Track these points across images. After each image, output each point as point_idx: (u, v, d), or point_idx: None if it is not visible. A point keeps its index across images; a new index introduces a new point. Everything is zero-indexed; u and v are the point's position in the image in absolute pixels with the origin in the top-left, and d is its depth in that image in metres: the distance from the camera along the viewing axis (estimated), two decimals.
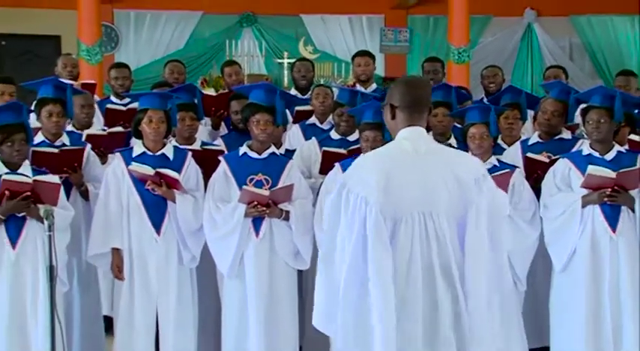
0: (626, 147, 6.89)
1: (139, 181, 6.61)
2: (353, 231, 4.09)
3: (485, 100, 9.03)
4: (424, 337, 4.10)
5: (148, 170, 6.56)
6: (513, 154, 7.24)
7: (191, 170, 6.78)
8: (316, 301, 4.30)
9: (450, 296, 4.12)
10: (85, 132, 7.58)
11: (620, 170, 6.51)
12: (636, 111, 7.48)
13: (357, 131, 7.09)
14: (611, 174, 6.49)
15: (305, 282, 7.09)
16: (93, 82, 10.22)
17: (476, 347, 4.14)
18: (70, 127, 7.67)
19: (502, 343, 4.23)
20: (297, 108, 8.60)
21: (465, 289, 4.15)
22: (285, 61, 14.33)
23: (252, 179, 6.65)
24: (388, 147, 4.37)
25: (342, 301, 4.11)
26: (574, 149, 7.02)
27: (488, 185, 4.27)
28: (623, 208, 6.59)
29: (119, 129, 7.70)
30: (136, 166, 6.58)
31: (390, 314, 4.01)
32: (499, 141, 7.32)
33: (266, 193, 6.56)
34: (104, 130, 7.89)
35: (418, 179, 4.14)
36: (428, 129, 7.38)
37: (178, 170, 6.66)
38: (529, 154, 7.18)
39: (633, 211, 6.60)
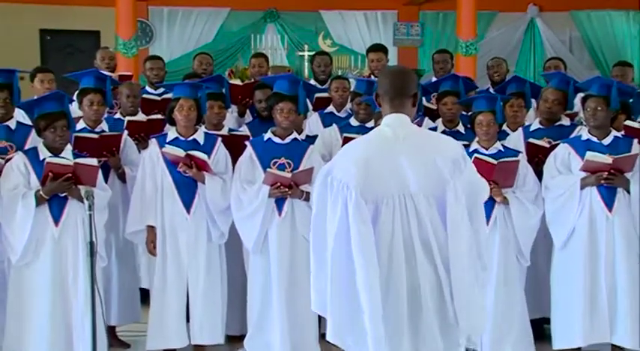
0: (622, 133, 6.84)
1: (172, 164, 6.62)
2: (336, 214, 4.06)
3: (491, 89, 9.00)
4: (408, 307, 4.07)
5: (179, 152, 6.57)
6: (516, 140, 7.22)
7: (220, 154, 6.78)
8: (312, 287, 4.29)
9: (431, 269, 4.08)
10: (127, 118, 7.58)
11: (617, 156, 6.51)
12: (631, 99, 7.44)
13: (372, 119, 7.11)
14: (608, 159, 6.47)
15: None
16: (129, 73, 10.24)
17: (459, 313, 4.08)
18: (117, 115, 7.73)
19: (483, 310, 4.22)
20: (317, 96, 8.58)
21: (446, 263, 4.11)
22: (306, 53, 14.33)
23: (275, 163, 6.63)
24: (370, 134, 4.36)
25: (329, 284, 4.08)
26: (573, 135, 6.98)
27: (467, 166, 4.25)
28: (619, 189, 6.58)
29: (158, 116, 7.70)
30: (169, 149, 6.60)
31: (375, 291, 3.99)
32: (504, 127, 7.31)
33: (288, 175, 6.56)
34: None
35: (397, 163, 4.11)
36: (436, 116, 7.49)
37: (208, 154, 6.66)
38: (531, 140, 7.15)
39: (628, 192, 6.58)
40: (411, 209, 4.08)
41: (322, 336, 6.75)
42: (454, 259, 4.09)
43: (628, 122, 7.15)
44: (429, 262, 4.08)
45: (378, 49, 10.05)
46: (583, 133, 6.81)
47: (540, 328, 7.00)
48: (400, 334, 4.07)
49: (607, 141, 6.64)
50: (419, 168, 4.11)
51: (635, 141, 6.70)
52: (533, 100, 7.96)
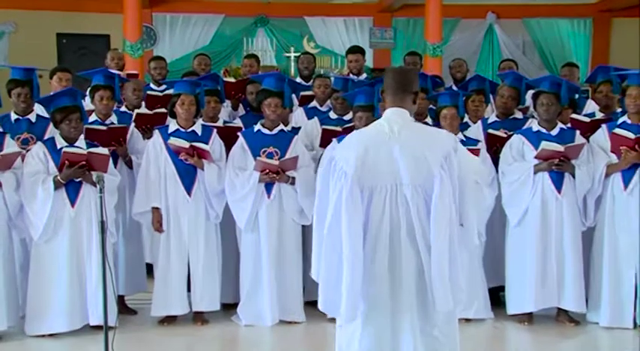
0: (568, 125, 6.93)
1: (174, 153, 6.64)
2: (334, 194, 4.09)
3: (453, 87, 9.02)
4: (390, 286, 4.09)
5: (184, 143, 6.59)
6: (476, 131, 7.24)
7: (216, 144, 6.80)
8: (313, 257, 4.30)
9: (413, 252, 4.08)
10: (135, 111, 7.60)
11: (568, 145, 6.59)
12: (577, 96, 7.52)
13: (350, 112, 7.12)
14: (560, 148, 6.55)
15: (306, 235, 7.12)
16: (135, 72, 10.23)
17: (436, 293, 4.05)
18: (123, 108, 7.72)
19: (462, 291, 4.15)
20: (302, 93, 8.62)
21: (428, 247, 4.07)
22: (292, 55, 14.27)
23: (264, 151, 6.68)
24: (370, 127, 4.35)
25: (324, 255, 4.12)
26: (525, 127, 7.04)
27: (459, 157, 4.20)
28: (566, 174, 6.66)
29: (162, 110, 7.72)
30: (174, 140, 6.61)
31: (355, 261, 4.00)
32: (466, 119, 7.35)
33: (276, 162, 6.61)
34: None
35: (391, 156, 4.10)
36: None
37: (206, 143, 6.69)
38: (489, 131, 7.20)
39: (574, 176, 6.66)
40: (400, 198, 4.08)
41: (306, 303, 6.88)
42: (435, 245, 4.06)
43: (574, 115, 7.24)
44: (412, 245, 4.08)
45: (356, 51, 10.06)
46: (534, 125, 6.88)
47: (496, 296, 7.06)
48: (380, 308, 4.09)
49: (555, 132, 6.71)
50: (410, 161, 4.09)
51: (578, 132, 6.80)
52: (491, 96, 8.01)
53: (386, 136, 4.15)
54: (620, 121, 6.76)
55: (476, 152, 6.58)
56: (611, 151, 6.62)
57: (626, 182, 6.58)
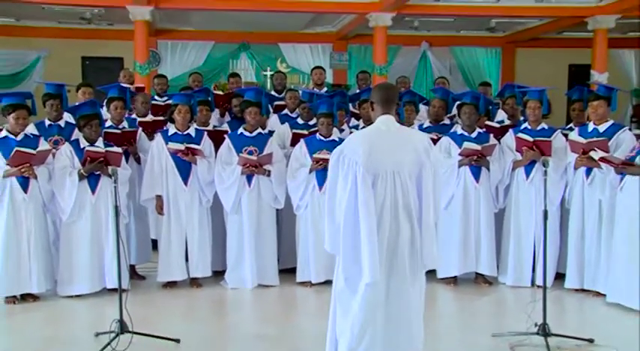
0: (484, 129, 6.99)
1: (174, 153, 6.62)
2: (347, 182, 4.07)
3: None
4: (387, 254, 4.09)
5: (180, 146, 6.58)
6: None
7: (206, 144, 6.78)
8: (326, 234, 4.25)
9: (409, 227, 4.11)
10: (139, 119, 7.54)
11: (484, 145, 6.68)
12: (491, 107, 7.59)
13: (314, 118, 7.11)
14: (478, 147, 6.64)
15: (280, 216, 7.15)
16: (143, 86, 10.16)
17: (426, 256, 4.13)
18: (133, 116, 7.64)
19: (437, 252, 4.25)
20: (276, 103, 8.62)
21: (419, 221, 4.14)
22: (268, 73, 14.22)
23: (246, 149, 6.66)
24: (370, 128, 4.32)
25: (342, 230, 4.09)
26: (452, 130, 7.09)
27: (432, 151, 4.27)
28: (483, 168, 6.74)
29: (160, 118, 7.70)
30: (172, 145, 6.60)
31: (372, 233, 4.02)
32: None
33: (254, 158, 6.62)
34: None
35: (390, 149, 4.13)
36: (357, 117, 7.54)
37: (198, 144, 6.67)
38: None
39: (489, 170, 6.74)
40: (397, 182, 4.09)
41: (280, 271, 6.89)
42: (425, 217, 4.13)
43: (488, 122, 7.31)
44: (408, 219, 4.10)
45: (319, 68, 10.10)
46: (458, 129, 6.95)
47: None
48: (380, 266, 4.07)
49: (474, 134, 6.78)
50: (404, 153, 4.13)
51: (491, 135, 6.88)
52: (422, 106, 8.03)
53: (385, 134, 4.18)
54: (523, 126, 6.87)
55: None
56: (516, 150, 6.72)
57: (527, 174, 6.70)
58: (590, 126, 6.49)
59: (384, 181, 4.10)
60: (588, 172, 6.38)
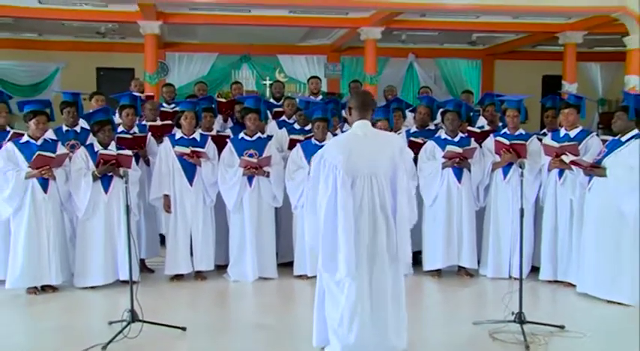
0: (466, 134, 7.01)
1: (180, 155, 6.61)
2: (328, 185, 4.10)
3: None
4: (368, 248, 4.13)
5: (186, 150, 6.57)
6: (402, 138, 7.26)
7: (210, 147, 6.76)
8: (306, 231, 4.32)
9: (386, 224, 4.14)
10: (149, 124, 7.55)
11: (466, 148, 6.68)
12: (472, 114, 7.60)
13: (309, 124, 7.11)
14: (460, 150, 6.64)
15: (278, 214, 7.13)
16: (152, 94, 10.17)
17: (400, 250, 4.17)
18: (143, 122, 7.64)
19: (410, 249, 4.27)
20: (275, 110, 8.62)
21: (394, 217, 4.17)
22: (267, 82, 14.19)
23: (246, 152, 6.65)
24: (348, 133, 4.35)
25: (322, 229, 4.12)
26: (436, 135, 7.05)
27: (405, 152, 4.33)
28: (465, 169, 6.74)
29: (168, 123, 7.70)
30: (178, 148, 6.59)
31: (349, 232, 4.05)
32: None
33: (255, 161, 6.60)
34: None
35: (367, 153, 4.15)
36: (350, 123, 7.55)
37: (202, 147, 6.66)
38: (411, 138, 7.25)
39: (470, 171, 6.74)
40: (374, 183, 4.11)
41: (279, 265, 6.88)
42: (399, 215, 4.16)
43: (469, 127, 7.34)
44: (384, 218, 4.13)
45: (315, 77, 10.13)
46: (442, 133, 6.93)
47: (416, 258, 7.06)
48: (362, 263, 4.12)
49: (457, 139, 6.79)
50: (380, 156, 4.15)
51: (472, 139, 6.89)
52: (409, 113, 8.03)
53: (361, 139, 4.19)
54: (502, 131, 6.87)
55: None
56: (495, 153, 6.72)
57: (505, 175, 6.71)
58: (562, 131, 6.52)
59: (362, 183, 4.12)
60: (560, 173, 6.40)
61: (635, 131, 5.90)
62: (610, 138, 6.18)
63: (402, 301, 4.25)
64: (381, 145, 4.23)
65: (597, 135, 6.69)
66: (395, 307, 4.21)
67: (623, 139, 5.92)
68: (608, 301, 5.82)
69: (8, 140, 6.31)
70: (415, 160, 6.84)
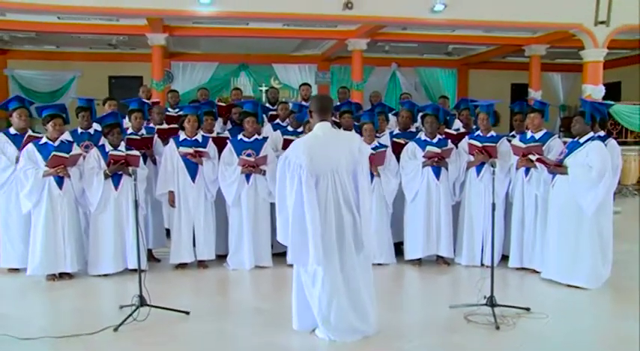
0: (443, 136, 6.97)
1: (184, 155, 6.58)
2: (294, 183, 4.08)
3: None
4: (337, 240, 4.14)
5: (189, 150, 6.54)
6: (386, 139, 7.25)
7: (211, 147, 6.73)
8: (277, 226, 4.31)
9: (351, 217, 4.14)
10: (156, 127, 7.53)
11: (443, 148, 6.67)
12: (449, 117, 7.59)
13: (301, 127, 7.12)
14: (439, 150, 6.63)
15: (274, 209, 7.07)
16: (158, 100, 10.13)
17: (365, 241, 4.18)
18: (150, 124, 7.62)
19: (373, 236, 4.29)
20: (270, 113, 8.59)
21: (358, 211, 4.17)
22: (263, 88, 14.21)
23: (244, 152, 6.62)
24: (309, 135, 4.34)
25: (291, 225, 4.10)
26: (417, 137, 7.02)
27: (364, 151, 4.29)
28: (442, 168, 6.71)
29: (173, 126, 7.67)
30: (182, 149, 6.56)
31: (316, 226, 4.04)
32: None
33: (252, 160, 6.58)
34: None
35: (328, 152, 4.13)
36: (339, 126, 7.54)
37: (204, 147, 6.63)
38: (394, 139, 7.24)
39: (447, 169, 6.73)
40: (337, 180, 4.11)
41: (273, 254, 6.86)
42: (362, 209, 4.16)
43: (447, 130, 7.31)
44: (348, 211, 4.13)
45: (306, 84, 10.08)
46: (422, 135, 6.89)
47: (398, 248, 7.06)
48: (332, 253, 4.13)
49: (435, 140, 6.75)
50: (341, 154, 4.14)
51: (449, 141, 6.86)
52: (392, 116, 8.00)
53: (321, 139, 4.18)
54: (476, 134, 6.86)
55: (384, 152, 6.66)
56: (469, 153, 6.72)
57: (478, 173, 6.70)
58: (529, 134, 6.53)
59: (326, 180, 4.11)
60: (527, 171, 6.41)
61: (591, 134, 5.95)
62: (570, 140, 6.21)
63: (370, 281, 4.27)
64: (341, 144, 4.21)
65: (559, 137, 6.73)
66: (364, 285, 4.23)
67: (581, 140, 5.95)
68: (568, 285, 5.85)
69: (25, 143, 6.28)
70: (398, 159, 6.83)
